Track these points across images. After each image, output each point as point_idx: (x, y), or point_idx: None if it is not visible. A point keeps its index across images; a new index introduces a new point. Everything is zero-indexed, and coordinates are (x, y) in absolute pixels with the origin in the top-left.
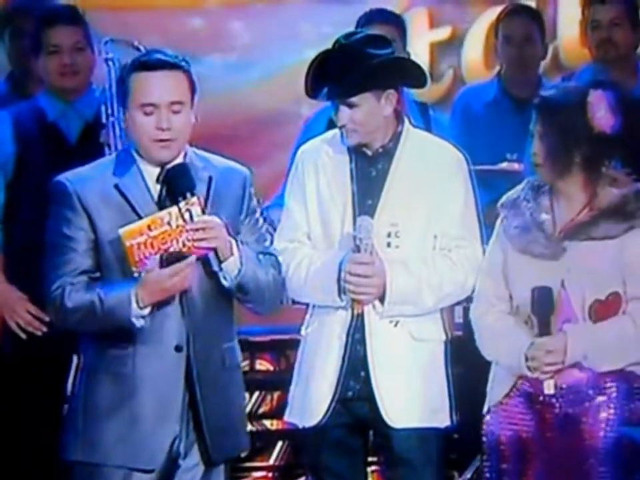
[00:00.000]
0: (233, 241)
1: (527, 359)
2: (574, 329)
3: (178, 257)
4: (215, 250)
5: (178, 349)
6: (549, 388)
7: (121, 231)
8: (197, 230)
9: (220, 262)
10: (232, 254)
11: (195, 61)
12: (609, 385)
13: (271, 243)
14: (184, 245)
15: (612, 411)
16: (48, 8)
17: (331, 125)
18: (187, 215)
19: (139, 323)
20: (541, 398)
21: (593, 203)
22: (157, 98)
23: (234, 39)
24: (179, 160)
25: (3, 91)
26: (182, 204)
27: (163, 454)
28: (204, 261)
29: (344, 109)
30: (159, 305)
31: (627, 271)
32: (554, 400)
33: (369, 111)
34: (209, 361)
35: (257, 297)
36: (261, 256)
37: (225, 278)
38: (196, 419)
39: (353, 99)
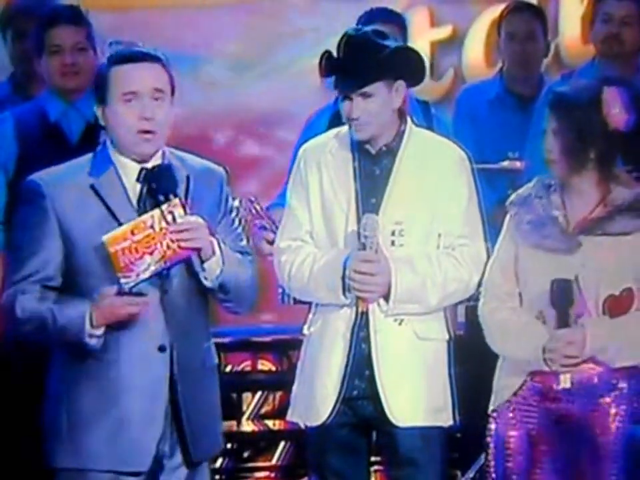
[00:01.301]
0: (214, 241)
1: (544, 352)
2: (592, 322)
3: (135, 293)
4: (198, 250)
5: (161, 349)
6: (564, 382)
7: (104, 238)
8: (180, 231)
9: (202, 262)
10: (214, 254)
11: (195, 60)
12: (620, 381)
13: (274, 242)
14: (168, 247)
15: (623, 407)
16: (50, 8)
17: (333, 123)
18: (169, 217)
19: (91, 341)
20: (552, 395)
21: (607, 200)
22: (140, 85)
23: (235, 39)
24: (158, 158)
25: (5, 92)
26: (164, 206)
27: (150, 456)
28: (186, 262)
29: (358, 101)
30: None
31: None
32: (564, 397)
33: (383, 102)
34: (190, 360)
35: (236, 297)
36: (239, 255)
37: (206, 278)
38: (177, 419)
39: (368, 89)
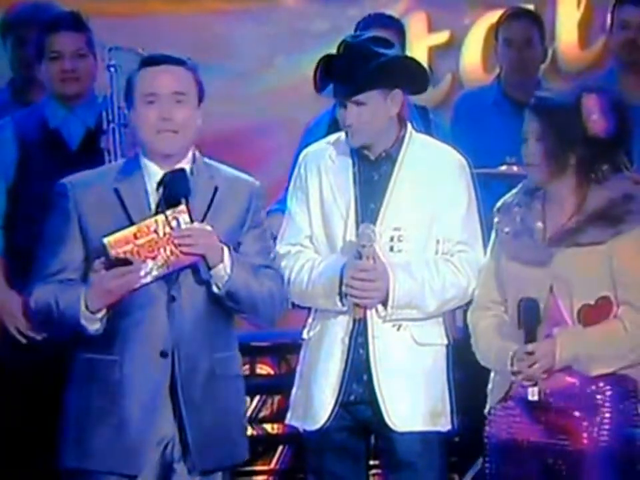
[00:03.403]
0: (226, 249)
1: (512, 367)
2: (563, 333)
3: (125, 261)
4: (204, 257)
5: (163, 354)
6: (532, 395)
7: (106, 240)
8: (183, 237)
9: (209, 269)
10: (222, 261)
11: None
12: (602, 388)
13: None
14: (172, 253)
15: (607, 414)
16: (51, 14)
17: (332, 129)
18: (174, 223)
19: (90, 326)
20: (534, 402)
21: (582, 207)
22: (159, 88)
23: (236, 46)
24: (185, 162)
25: (5, 98)
26: (169, 212)
27: (147, 460)
28: (194, 269)
29: (351, 108)
30: (141, 309)
31: (616, 276)
32: (548, 404)
33: (376, 110)
34: (195, 368)
35: (249, 308)
36: (265, 269)
37: (216, 285)
38: (180, 426)
39: (360, 97)
